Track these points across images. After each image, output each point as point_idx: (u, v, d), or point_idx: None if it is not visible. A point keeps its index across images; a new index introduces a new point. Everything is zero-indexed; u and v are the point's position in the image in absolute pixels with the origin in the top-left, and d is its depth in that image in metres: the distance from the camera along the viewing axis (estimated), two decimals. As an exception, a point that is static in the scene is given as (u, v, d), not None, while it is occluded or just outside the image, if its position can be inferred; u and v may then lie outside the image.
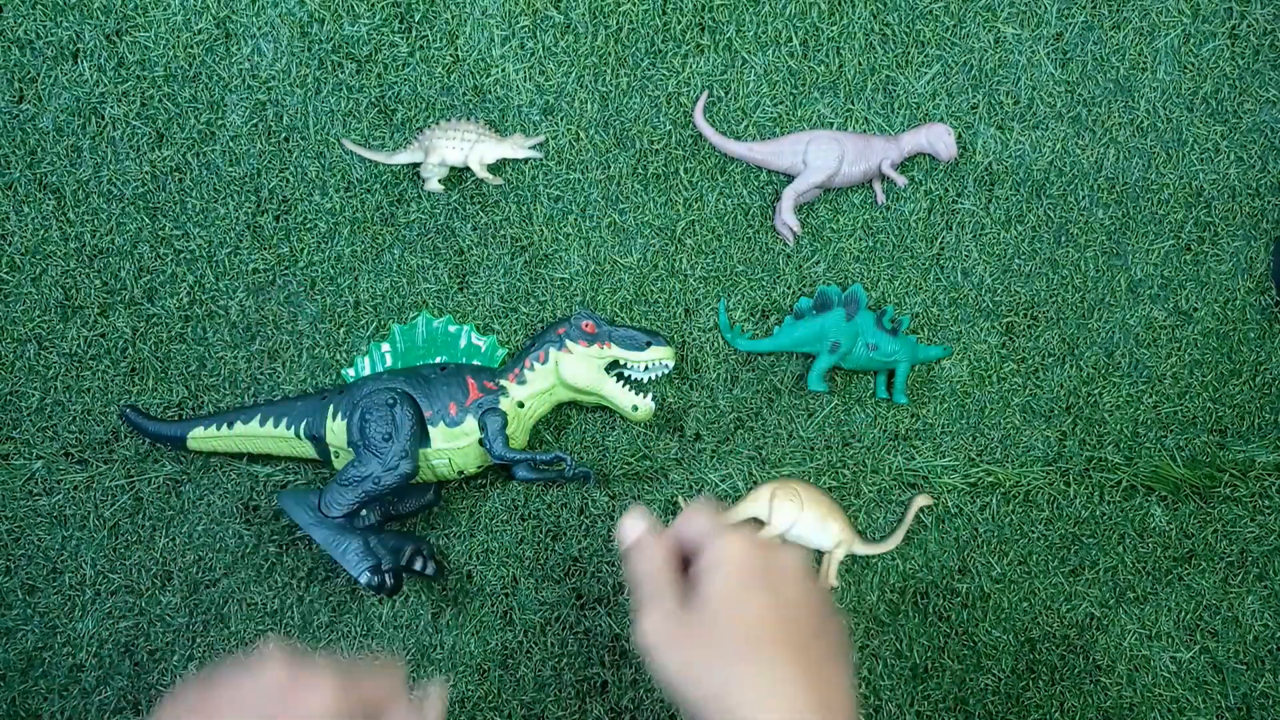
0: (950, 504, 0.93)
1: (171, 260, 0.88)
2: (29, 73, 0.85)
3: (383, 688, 0.55)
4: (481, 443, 0.83)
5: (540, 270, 0.90)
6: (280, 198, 0.88)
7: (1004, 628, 0.93)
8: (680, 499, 0.91)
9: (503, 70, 0.88)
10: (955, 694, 0.93)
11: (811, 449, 0.93)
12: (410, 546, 0.86)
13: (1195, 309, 0.94)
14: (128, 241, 0.87)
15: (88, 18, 0.85)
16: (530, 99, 0.88)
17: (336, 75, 0.87)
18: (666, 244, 0.91)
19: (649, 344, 0.86)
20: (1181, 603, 0.94)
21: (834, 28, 0.89)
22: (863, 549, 0.90)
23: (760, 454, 0.93)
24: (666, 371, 0.88)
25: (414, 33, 0.87)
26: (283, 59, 0.86)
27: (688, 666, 0.52)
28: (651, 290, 0.91)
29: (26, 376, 0.88)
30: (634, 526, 0.58)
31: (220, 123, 0.87)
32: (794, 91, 0.90)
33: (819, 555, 0.92)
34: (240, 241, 0.88)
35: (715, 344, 0.92)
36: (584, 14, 0.87)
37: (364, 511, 0.84)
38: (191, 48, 0.86)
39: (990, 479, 0.94)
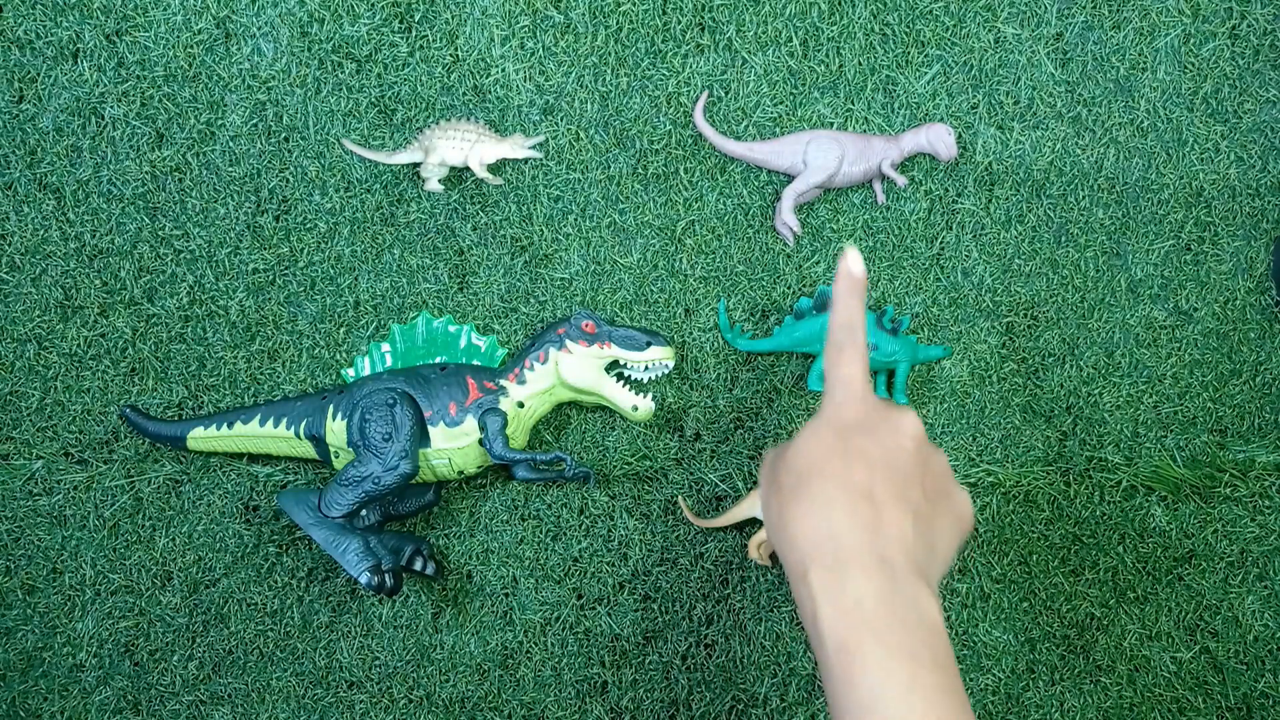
0: (950, 504, 0.93)
1: (171, 260, 0.88)
2: (29, 73, 0.85)
3: None
4: (481, 443, 0.83)
5: (540, 270, 0.90)
6: (280, 198, 0.88)
7: (1004, 628, 0.93)
8: (680, 499, 0.91)
9: (503, 70, 0.88)
10: (955, 694, 0.93)
11: (811, 449, 0.93)
12: (410, 546, 0.86)
13: (1195, 309, 0.94)
14: (128, 241, 0.87)
15: (88, 18, 0.85)
16: (530, 99, 0.88)
17: (336, 75, 0.87)
18: (666, 244, 0.91)
19: (649, 344, 0.86)
20: (1181, 603, 0.94)
21: (834, 28, 0.89)
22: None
23: (760, 454, 0.93)
24: (666, 371, 0.88)
25: (414, 33, 0.87)
26: (283, 59, 0.86)
27: (768, 498, 0.54)
28: (651, 290, 0.91)
29: (26, 376, 0.88)
30: (858, 260, 0.59)
31: (220, 123, 0.87)
32: (794, 91, 0.90)
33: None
34: (240, 241, 0.88)
35: (715, 344, 0.92)
36: (584, 14, 0.87)
37: (364, 511, 0.84)
38: (191, 48, 0.86)
39: (990, 479, 0.94)
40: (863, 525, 0.50)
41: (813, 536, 0.51)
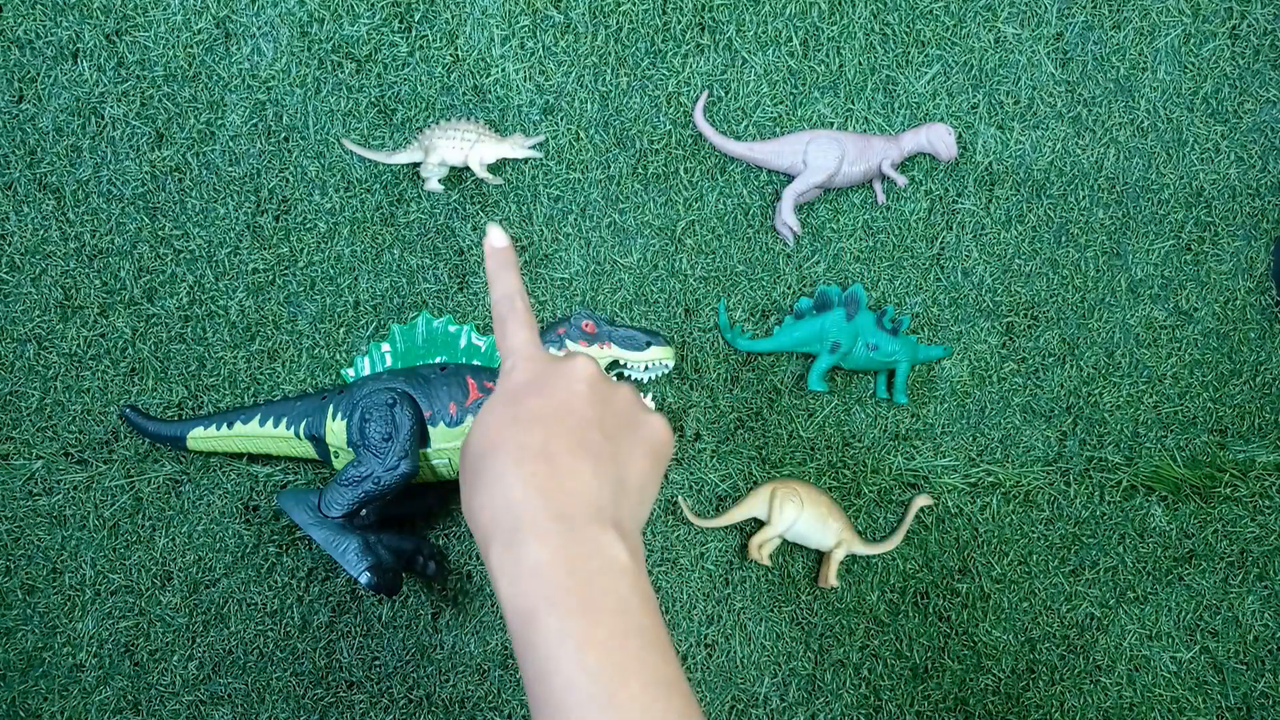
0: (950, 504, 0.93)
1: (171, 260, 0.88)
2: (29, 73, 0.85)
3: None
4: (481, 443, 0.83)
5: (540, 270, 0.90)
6: (280, 198, 0.88)
7: (1004, 628, 0.93)
8: (680, 499, 0.91)
9: (503, 70, 0.88)
10: (955, 694, 0.93)
11: (811, 449, 0.93)
12: (410, 546, 0.86)
13: (1195, 309, 0.94)
14: (128, 241, 0.87)
15: (88, 18, 0.85)
16: (530, 99, 0.88)
17: (336, 75, 0.87)
18: (666, 244, 0.91)
19: (649, 344, 0.86)
20: (1181, 603, 0.94)
21: (834, 28, 0.89)
22: (863, 549, 0.90)
23: (760, 454, 0.93)
24: (666, 371, 0.88)
25: (414, 33, 0.87)
26: (283, 59, 0.86)
27: (461, 485, 0.54)
28: (651, 290, 0.91)
29: (26, 376, 0.88)
30: (499, 235, 0.60)
31: (220, 123, 0.87)
32: (794, 91, 0.90)
33: (819, 555, 0.92)
34: (240, 241, 0.88)
35: (715, 344, 0.92)
36: (584, 14, 0.87)
37: (364, 511, 0.84)
38: (191, 48, 0.86)
39: (990, 479, 0.94)
40: (537, 488, 0.50)
41: (490, 513, 0.50)
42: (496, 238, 0.61)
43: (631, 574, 0.49)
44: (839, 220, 0.92)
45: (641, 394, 0.87)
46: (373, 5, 0.86)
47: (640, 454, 0.55)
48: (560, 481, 0.50)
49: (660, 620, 0.49)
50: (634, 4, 0.88)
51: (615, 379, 0.57)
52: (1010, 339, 0.94)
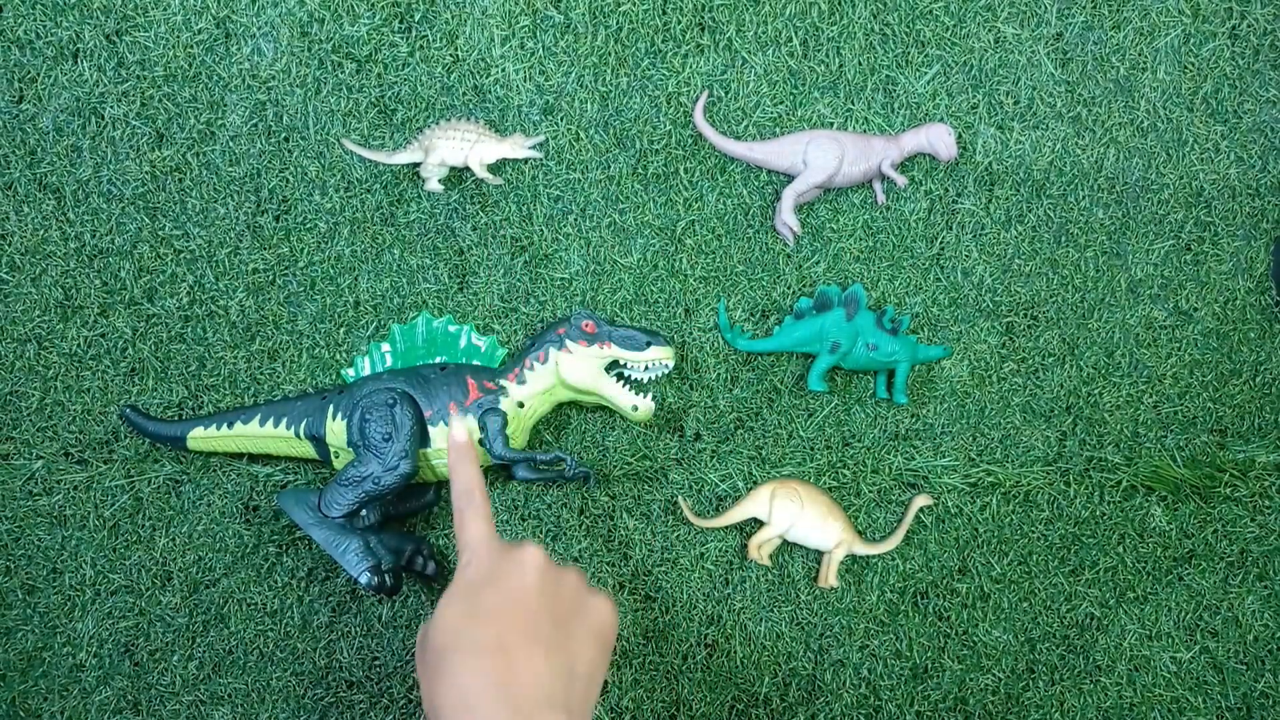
0: (950, 504, 0.93)
1: (171, 260, 0.88)
2: (29, 73, 0.85)
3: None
4: (481, 443, 0.83)
5: (540, 270, 0.90)
6: (280, 198, 0.88)
7: (1004, 628, 0.93)
8: (680, 499, 0.91)
9: (503, 70, 0.88)
10: (955, 694, 0.93)
11: (811, 449, 0.93)
12: (410, 546, 0.86)
13: (1195, 309, 0.94)
14: (128, 241, 0.87)
15: (88, 18, 0.85)
16: (530, 99, 0.88)
17: (336, 75, 0.87)
18: (666, 244, 0.91)
19: (649, 344, 0.86)
20: (1181, 603, 0.94)
21: (834, 28, 0.89)
22: (863, 549, 0.90)
23: (760, 454, 0.93)
24: (666, 371, 0.88)
25: (414, 33, 0.87)
26: (283, 59, 0.86)
27: (422, 678, 0.58)
28: (651, 290, 0.91)
29: (26, 376, 0.88)
30: (461, 431, 0.67)
31: (220, 123, 0.87)
32: (794, 91, 0.90)
33: (819, 555, 0.92)
34: (240, 241, 0.88)
35: (715, 344, 0.92)
36: (584, 14, 0.87)
37: (364, 511, 0.84)
38: (191, 48, 0.86)
39: (990, 479, 0.94)
40: (494, 684, 0.54)
41: (449, 708, 0.54)
42: (458, 433, 0.69)
43: None
44: (839, 220, 0.92)
45: (642, 394, 0.87)
46: (373, 5, 0.86)
47: (588, 639, 0.60)
48: (514, 674, 0.54)
49: None
50: (634, 4, 0.88)
51: (553, 568, 0.63)
52: (1010, 339, 0.94)
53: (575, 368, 0.85)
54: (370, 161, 0.88)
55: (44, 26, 0.85)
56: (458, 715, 0.53)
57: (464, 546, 0.63)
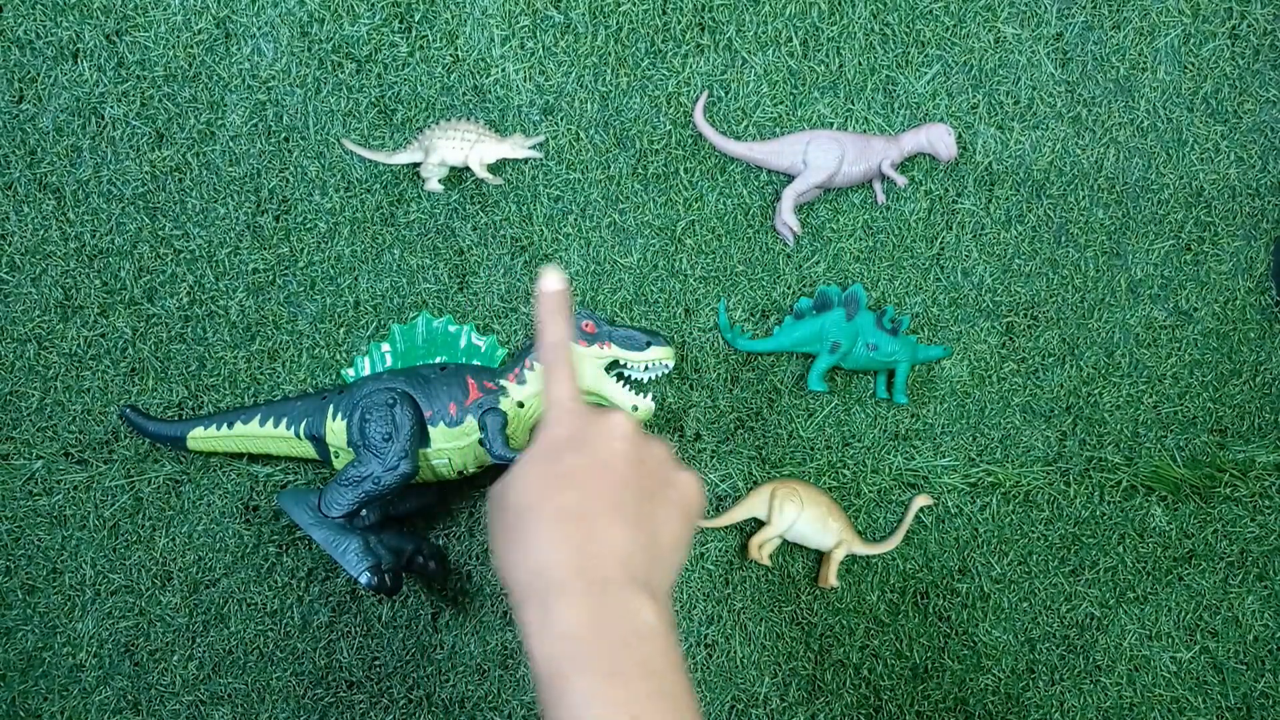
0: (950, 504, 0.93)
1: (171, 260, 0.88)
2: (29, 73, 0.85)
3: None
4: (481, 443, 0.83)
5: (540, 270, 0.90)
6: (280, 198, 0.88)
7: (1004, 628, 0.93)
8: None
9: (503, 70, 0.88)
10: (955, 694, 0.93)
11: (811, 449, 0.93)
12: (410, 546, 0.86)
13: (1195, 309, 0.94)
14: (128, 241, 0.87)
15: (88, 18, 0.85)
16: (530, 99, 0.88)
17: (336, 75, 0.87)
18: (666, 244, 0.91)
19: (649, 344, 0.86)
20: (1181, 603, 0.94)
21: (834, 28, 0.89)
22: (863, 549, 0.90)
23: (760, 454, 0.93)
24: (666, 371, 0.88)
25: (414, 33, 0.87)
26: (283, 59, 0.86)
27: (494, 537, 0.55)
28: (651, 290, 0.91)
29: (26, 376, 0.88)
30: (555, 278, 0.60)
31: (220, 123, 0.87)
32: (794, 91, 0.90)
33: (819, 555, 0.92)
34: (240, 241, 0.88)
35: (715, 344, 0.92)
36: (584, 14, 0.87)
37: (364, 511, 0.84)
38: (191, 48, 0.86)
39: (990, 479, 0.94)
40: (574, 549, 0.51)
41: (525, 572, 0.51)
42: (552, 280, 0.60)
43: (660, 637, 0.49)
44: (839, 220, 0.92)
45: (642, 394, 0.87)
46: (373, 5, 0.86)
47: (673, 515, 0.56)
48: (595, 544, 0.51)
49: (687, 682, 0.50)
50: (634, 4, 0.88)
51: (644, 437, 0.58)
52: (1010, 339, 0.94)
53: (575, 368, 0.85)
54: (370, 161, 0.88)
55: (44, 26, 0.85)
56: (533, 581, 0.50)
57: (550, 404, 0.58)
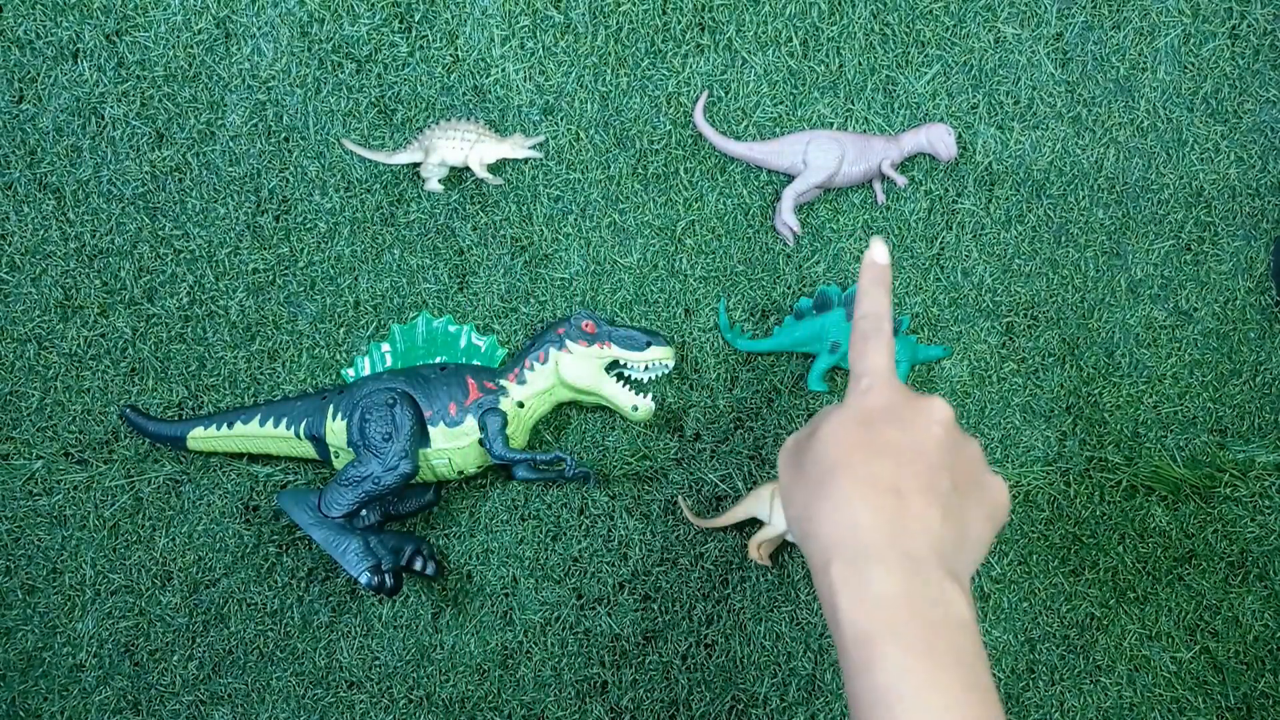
0: (950, 504, 0.93)
1: (171, 260, 0.88)
2: (29, 73, 0.85)
3: None
4: (481, 443, 0.83)
5: (540, 270, 0.90)
6: (280, 198, 0.88)
7: (1004, 628, 0.93)
8: (680, 499, 0.91)
9: (503, 70, 0.88)
10: (955, 694, 0.93)
11: (811, 449, 0.93)
12: (410, 546, 0.86)
13: (1195, 309, 0.94)
14: (128, 241, 0.87)
15: (88, 18, 0.85)
16: (530, 99, 0.88)
17: (336, 75, 0.87)
18: (666, 244, 0.91)
19: (649, 344, 0.86)
20: (1181, 603, 0.94)
21: (834, 28, 0.89)
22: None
23: (760, 454, 0.93)
24: (666, 371, 0.88)
25: (414, 33, 0.87)
26: (283, 59, 0.86)
27: (789, 487, 0.54)
28: (651, 290, 0.91)
29: (26, 376, 0.88)
30: (883, 251, 0.58)
31: (220, 123, 0.87)
32: (794, 91, 0.90)
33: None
34: (240, 241, 0.88)
35: (715, 344, 0.92)
36: (584, 14, 0.87)
37: (364, 511, 0.84)
38: (191, 48, 0.86)
39: (990, 479, 0.94)
40: (887, 520, 0.49)
41: (836, 530, 0.50)
42: (880, 253, 0.59)
43: (972, 630, 0.48)
44: (839, 220, 0.92)
45: (642, 394, 0.87)
46: (373, 5, 0.86)
47: (981, 514, 0.54)
48: (909, 521, 0.49)
49: (994, 683, 0.48)
50: (634, 4, 0.88)
51: (960, 431, 0.57)
52: (1010, 339, 0.94)
53: (575, 368, 0.85)
54: (370, 161, 0.88)
55: (44, 26, 0.85)
56: (845, 541, 0.49)
57: (864, 372, 0.56)
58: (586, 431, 0.91)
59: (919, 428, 0.53)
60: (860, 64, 0.89)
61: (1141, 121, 0.92)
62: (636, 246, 0.90)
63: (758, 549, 0.89)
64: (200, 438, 0.85)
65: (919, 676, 0.46)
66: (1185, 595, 0.94)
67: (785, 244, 0.91)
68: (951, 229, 0.92)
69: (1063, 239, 0.93)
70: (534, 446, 0.90)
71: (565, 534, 0.91)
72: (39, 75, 0.85)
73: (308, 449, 0.86)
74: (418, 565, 0.86)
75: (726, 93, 0.89)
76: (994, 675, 0.93)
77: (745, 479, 0.92)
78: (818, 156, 0.87)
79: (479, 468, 0.85)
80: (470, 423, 0.83)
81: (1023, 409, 0.94)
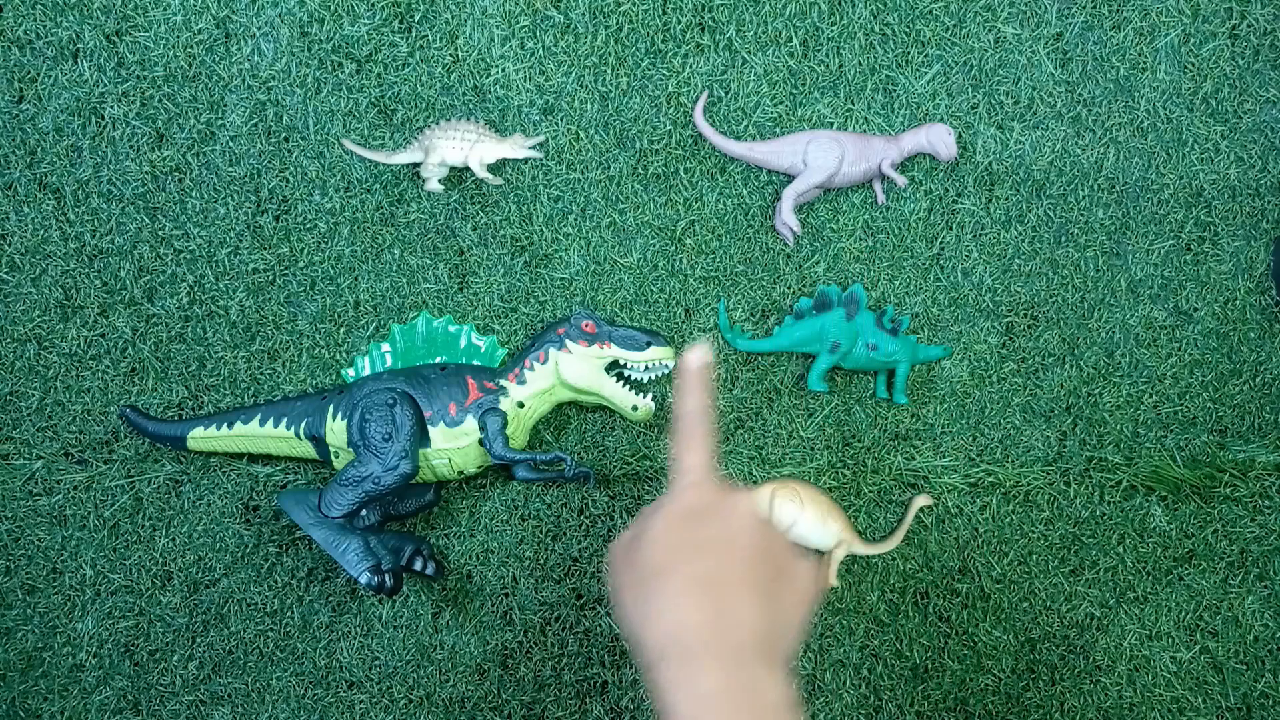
0: (950, 504, 0.93)
1: (171, 260, 0.88)
2: (29, 73, 0.85)
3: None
4: (481, 443, 0.83)
5: (540, 270, 0.90)
6: (280, 198, 0.88)
7: (1004, 628, 0.93)
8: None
9: (503, 70, 0.88)
10: (955, 694, 0.93)
11: (811, 449, 0.93)
12: (410, 546, 0.86)
13: (1195, 309, 0.94)
14: (128, 241, 0.87)
15: (88, 18, 0.85)
16: (530, 99, 0.88)
17: (336, 75, 0.87)
18: (666, 244, 0.91)
19: (649, 344, 0.86)
20: (1181, 603, 0.94)
21: (834, 28, 0.89)
22: (863, 549, 0.90)
23: (760, 454, 0.93)
24: (666, 371, 0.88)
25: (414, 33, 0.87)
26: (283, 59, 0.86)
27: (619, 589, 0.57)
28: (651, 290, 0.91)
29: (26, 376, 0.88)
30: (700, 355, 0.62)
31: (220, 123, 0.87)
32: (794, 91, 0.90)
33: (819, 555, 0.92)
34: (240, 241, 0.88)
35: (715, 344, 0.92)
36: (584, 14, 0.87)
37: (364, 511, 0.84)
38: (191, 48, 0.86)
39: (990, 479, 0.94)
40: (711, 617, 0.53)
41: (664, 632, 0.53)
42: (695, 357, 0.62)
43: (789, 712, 0.52)
44: (839, 220, 0.92)
45: (642, 394, 0.87)
46: (373, 5, 0.86)
47: (794, 598, 0.58)
48: (731, 615, 0.53)
49: None
50: (634, 4, 0.88)
51: (769, 521, 0.62)
52: (1010, 339, 0.94)
53: (575, 368, 0.85)
54: (370, 161, 0.88)
55: (44, 26, 0.85)
56: (671, 640, 0.52)
57: (683, 471, 0.60)
58: (586, 431, 0.91)
59: (735, 522, 0.58)
60: (860, 64, 0.89)
61: (1141, 121, 0.92)
62: (636, 246, 0.90)
63: (758, 549, 0.89)
64: (200, 438, 0.85)
65: None
66: (1185, 595, 0.94)
67: (785, 244, 0.91)
68: (951, 229, 0.92)
69: (1063, 239, 0.93)
70: (534, 446, 0.90)
71: (565, 534, 0.91)
72: (39, 75, 0.85)
73: (308, 449, 0.86)
74: (418, 565, 0.86)
75: (726, 93, 0.89)
76: (993, 675, 0.93)
77: (745, 479, 0.92)
78: (818, 156, 0.87)
79: (479, 468, 0.85)
80: (470, 423, 0.83)
81: (1023, 409, 0.94)
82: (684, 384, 0.62)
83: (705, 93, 0.89)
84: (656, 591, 0.54)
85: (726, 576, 0.54)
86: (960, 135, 0.91)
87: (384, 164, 0.88)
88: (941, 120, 0.90)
